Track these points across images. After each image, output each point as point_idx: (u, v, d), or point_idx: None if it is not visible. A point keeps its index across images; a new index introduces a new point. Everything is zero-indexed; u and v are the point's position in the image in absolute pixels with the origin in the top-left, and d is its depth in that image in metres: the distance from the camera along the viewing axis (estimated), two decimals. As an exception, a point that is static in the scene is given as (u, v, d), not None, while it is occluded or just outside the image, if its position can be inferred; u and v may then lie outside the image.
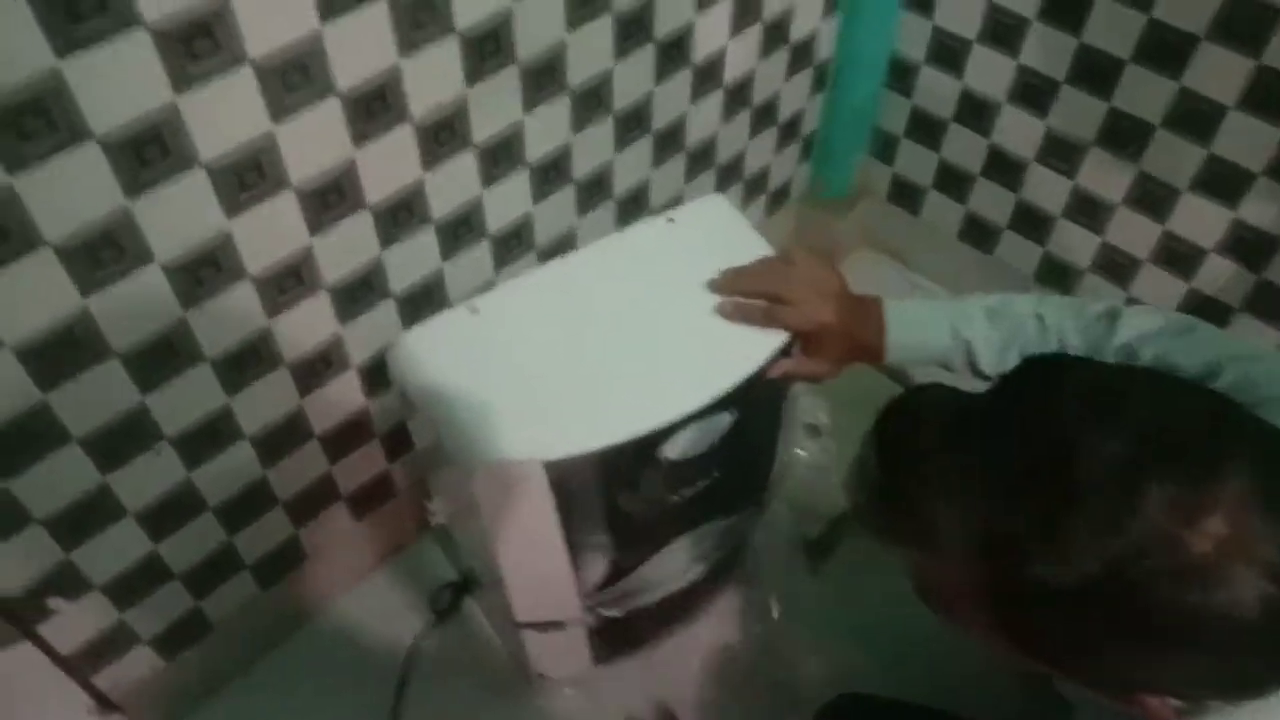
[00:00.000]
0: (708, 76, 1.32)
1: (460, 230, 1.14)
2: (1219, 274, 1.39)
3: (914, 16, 1.49)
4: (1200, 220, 1.36)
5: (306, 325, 1.05)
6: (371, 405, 1.21)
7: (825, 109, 1.63)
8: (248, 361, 1.02)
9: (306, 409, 1.12)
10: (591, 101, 1.17)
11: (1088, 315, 0.89)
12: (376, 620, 1.35)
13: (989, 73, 1.46)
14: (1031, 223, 1.56)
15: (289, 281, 1.00)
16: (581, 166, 1.23)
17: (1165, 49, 1.26)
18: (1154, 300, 1.47)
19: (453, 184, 1.08)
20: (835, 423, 1.47)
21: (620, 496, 0.95)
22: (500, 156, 1.11)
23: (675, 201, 1.42)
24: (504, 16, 0.99)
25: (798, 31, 1.43)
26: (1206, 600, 0.53)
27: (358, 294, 1.08)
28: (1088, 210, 1.48)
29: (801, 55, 1.48)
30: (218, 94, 0.82)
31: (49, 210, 0.77)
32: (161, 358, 0.94)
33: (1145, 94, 1.31)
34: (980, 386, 0.67)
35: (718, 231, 1.02)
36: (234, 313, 0.97)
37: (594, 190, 1.28)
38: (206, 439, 1.04)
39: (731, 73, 1.36)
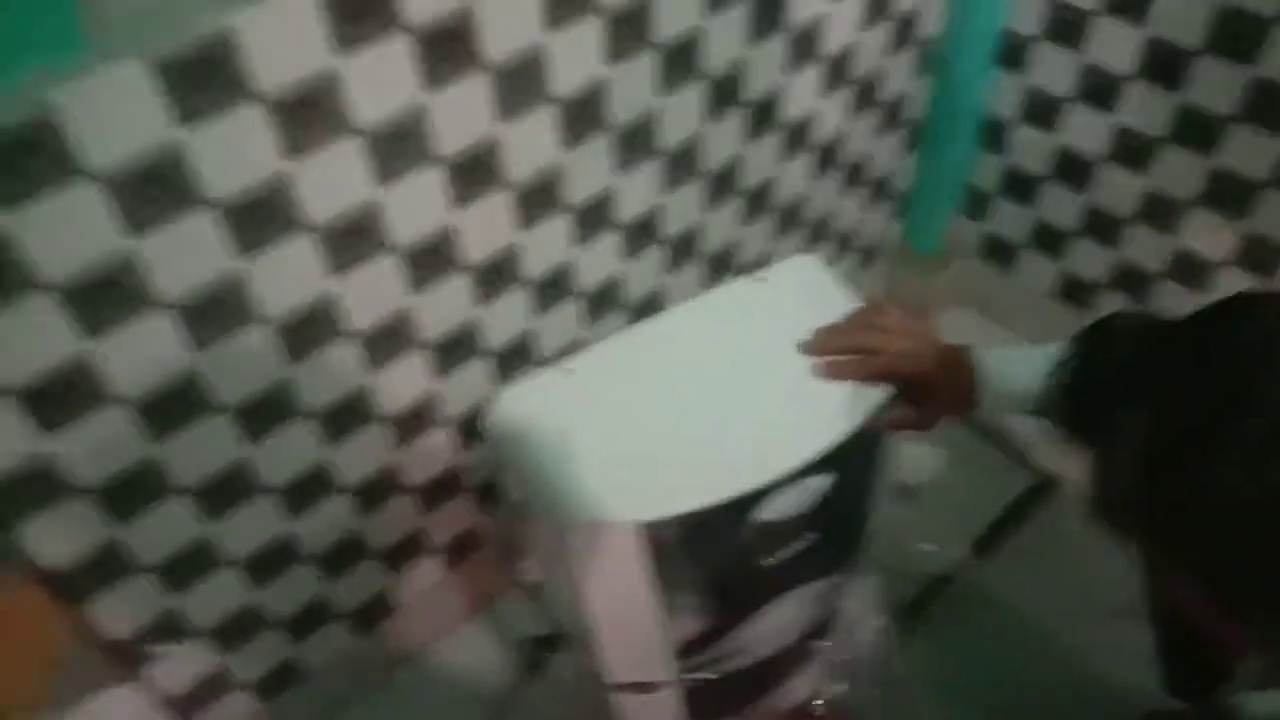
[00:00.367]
0: (798, 138, 1.33)
1: (552, 289, 1.16)
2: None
3: (1006, 75, 1.48)
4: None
5: (404, 381, 1.08)
6: (464, 460, 1.23)
7: (917, 167, 1.63)
8: (347, 416, 1.05)
9: (402, 462, 1.15)
10: (682, 163, 1.19)
11: None
12: (465, 673, 1.36)
13: (1085, 130, 1.44)
14: (1129, 282, 1.53)
15: (389, 339, 1.03)
16: (671, 226, 1.25)
17: (1270, 107, 1.23)
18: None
19: (547, 245, 1.11)
20: (928, 483, 1.44)
21: (715, 559, 0.95)
22: (592, 218, 1.14)
23: (764, 260, 1.43)
24: (599, 84, 1.02)
25: (888, 92, 1.44)
26: None
27: (454, 351, 1.11)
28: (1189, 269, 1.44)
29: (892, 115, 1.49)
30: (326, 160, 0.86)
31: (168, 270, 0.82)
32: (267, 411, 0.98)
33: (1249, 152, 1.28)
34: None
35: (809, 290, 1.02)
36: (336, 368, 1.01)
37: (683, 250, 1.29)
38: (306, 490, 1.07)
39: (821, 134, 1.37)
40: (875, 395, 0.92)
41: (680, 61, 1.09)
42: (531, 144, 1.01)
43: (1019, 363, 0.92)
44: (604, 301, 1.24)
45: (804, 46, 1.23)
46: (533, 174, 1.03)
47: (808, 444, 0.88)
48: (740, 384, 0.93)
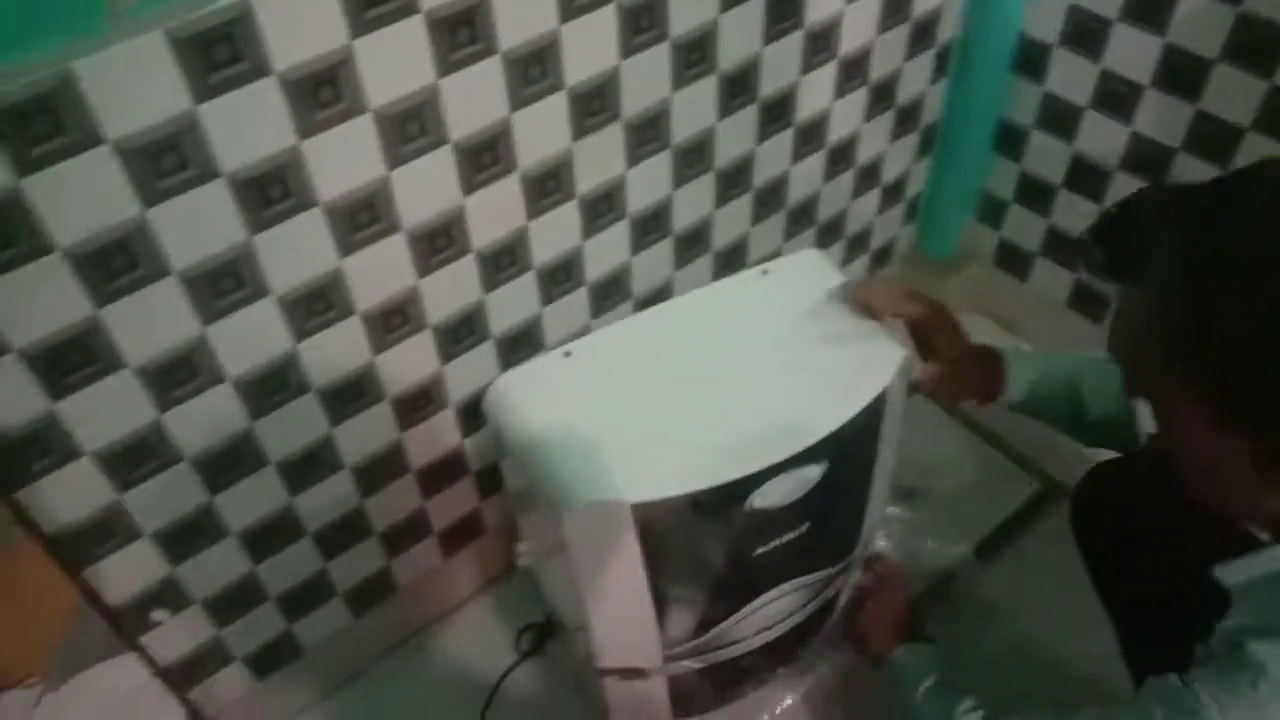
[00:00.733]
0: (810, 137, 1.34)
1: (560, 277, 1.17)
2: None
3: (1024, 82, 1.48)
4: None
5: (409, 362, 1.09)
6: (466, 443, 1.24)
7: (932, 171, 1.63)
8: (351, 395, 1.06)
9: (405, 443, 1.16)
10: (693, 158, 1.20)
11: None
12: (461, 657, 1.37)
13: (1102, 138, 1.43)
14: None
15: (395, 320, 1.04)
16: (681, 220, 1.25)
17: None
18: None
19: (555, 233, 1.12)
20: (931, 485, 1.44)
21: (709, 545, 0.96)
22: (602, 208, 1.14)
23: (774, 257, 1.43)
24: (611, 75, 1.03)
25: (904, 95, 1.44)
26: None
27: (459, 334, 1.12)
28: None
29: (908, 118, 1.49)
30: (338, 140, 0.87)
31: (179, 241, 0.83)
32: (272, 386, 0.99)
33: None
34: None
35: (812, 284, 1.02)
36: (342, 347, 1.02)
37: (692, 243, 1.30)
38: (309, 466, 1.08)
39: (835, 133, 1.37)
40: (871, 390, 0.92)
41: (694, 56, 1.10)
42: (543, 131, 1.02)
43: (1043, 358, 1.07)
44: (611, 292, 1.25)
45: (820, 45, 1.24)
46: (543, 161, 1.04)
47: (802, 433, 0.88)
48: (738, 373, 0.94)
